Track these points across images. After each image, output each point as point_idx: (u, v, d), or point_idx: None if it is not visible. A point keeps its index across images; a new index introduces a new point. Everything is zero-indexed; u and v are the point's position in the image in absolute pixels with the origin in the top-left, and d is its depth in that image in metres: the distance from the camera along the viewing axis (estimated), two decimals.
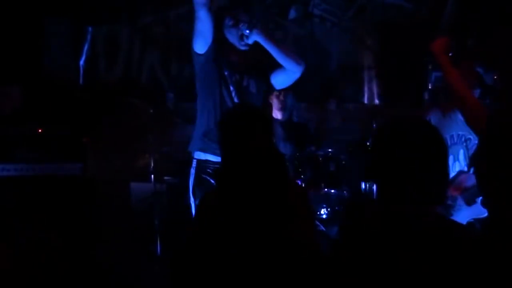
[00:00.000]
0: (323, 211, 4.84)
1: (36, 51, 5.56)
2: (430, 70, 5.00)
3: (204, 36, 3.66)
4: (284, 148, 4.77)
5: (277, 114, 5.07)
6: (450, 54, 4.75)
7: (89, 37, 5.95)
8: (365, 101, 6.44)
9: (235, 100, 3.67)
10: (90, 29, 5.95)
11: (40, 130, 4.30)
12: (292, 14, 6.36)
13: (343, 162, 4.93)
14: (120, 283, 4.28)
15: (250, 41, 3.67)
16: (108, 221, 4.52)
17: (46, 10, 5.62)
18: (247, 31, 3.66)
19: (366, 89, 6.44)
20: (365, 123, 5.68)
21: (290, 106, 5.11)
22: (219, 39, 3.72)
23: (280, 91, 4.98)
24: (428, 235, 1.81)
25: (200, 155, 3.65)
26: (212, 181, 3.60)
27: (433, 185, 1.88)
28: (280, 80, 3.85)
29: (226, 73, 3.70)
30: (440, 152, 1.90)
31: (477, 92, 3.87)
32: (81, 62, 5.91)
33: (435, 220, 1.87)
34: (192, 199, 3.65)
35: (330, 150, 4.99)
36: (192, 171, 3.65)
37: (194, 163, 3.66)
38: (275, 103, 5.06)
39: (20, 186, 4.17)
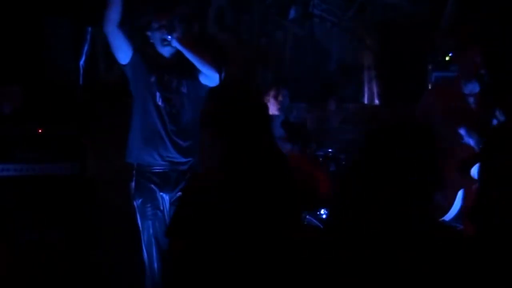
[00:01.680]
0: (323, 211, 4.84)
1: (36, 51, 5.56)
2: (430, 70, 5.01)
3: (122, 49, 3.90)
4: (282, 148, 4.77)
5: (276, 115, 5.08)
6: (450, 54, 4.76)
7: (89, 37, 5.95)
8: (365, 101, 6.45)
9: (159, 103, 3.80)
10: (90, 29, 5.95)
11: (40, 130, 4.30)
12: (292, 14, 6.36)
13: (343, 162, 4.93)
14: (120, 283, 4.27)
15: (172, 45, 3.79)
16: (108, 221, 4.52)
17: (46, 10, 5.62)
18: (168, 36, 3.77)
19: (366, 89, 6.44)
20: (365, 123, 5.68)
21: (287, 106, 5.12)
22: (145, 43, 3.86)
23: (277, 92, 5.01)
24: (425, 235, 1.82)
25: (140, 160, 3.84)
26: (152, 185, 3.73)
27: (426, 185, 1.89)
28: (204, 81, 3.92)
29: (152, 78, 3.82)
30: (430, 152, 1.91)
31: (474, 86, 3.88)
32: (81, 62, 5.90)
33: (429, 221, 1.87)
34: (134, 202, 3.84)
35: (330, 150, 4.99)
36: (134, 173, 3.86)
37: (135, 166, 3.87)
38: (272, 103, 5.07)
39: (20, 186, 4.17)
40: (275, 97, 5.05)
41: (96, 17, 5.94)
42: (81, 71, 5.89)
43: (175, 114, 3.81)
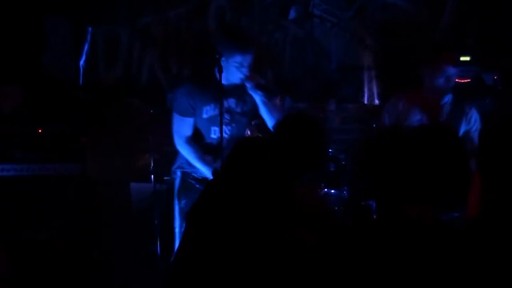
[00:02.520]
0: None
1: (36, 51, 5.56)
2: None
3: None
4: None
5: None
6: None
7: (89, 37, 5.95)
8: (365, 101, 6.44)
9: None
10: (90, 29, 5.95)
11: (40, 130, 4.30)
12: (292, 14, 6.36)
13: (343, 162, 4.92)
14: (120, 283, 4.28)
15: (249, 91, 3.77)
16: (108, 221, 4.52)
17: (46, 10, 5.62)
18: (249, 85, 3.74)
19: (366, 89, 6.43)
20: (365, 123, 5.68)
21: (287, 106, 5.13)
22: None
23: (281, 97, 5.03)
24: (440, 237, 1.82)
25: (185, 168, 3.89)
26: (198, 186, 3.71)
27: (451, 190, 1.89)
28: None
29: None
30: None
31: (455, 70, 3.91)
32: (81, 62, 5.91)
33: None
34: (176, 202, 3.87)
35: (330, 150, 4.99)
36: (178, 173, 3.90)
37: (179, 172, 3.91)
38: None
39: (20, 186, 4.17)
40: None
41: (96, 17, 5.96)
42: (81, 71, 5.90)
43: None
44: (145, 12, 6.10)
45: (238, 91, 3.81)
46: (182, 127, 3.85)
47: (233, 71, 3.71)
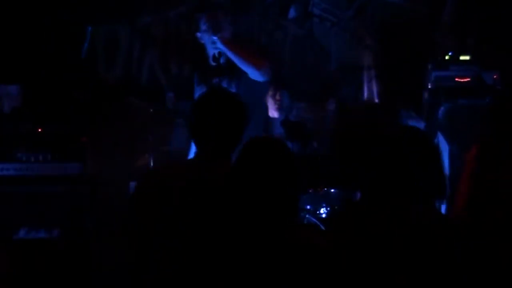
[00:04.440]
0: (322, 210, 4.84)
1: (36, 50, 5.56)
2: (430, 70, 5.01)
3: None
4: None
5: (273, 114, 5.09)
6: (450, 53, 4.77)
7: (89, 37, 5.95)
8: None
9: None
10: (90, 29, 5.94)
11: (40, 130, 4.30)
12: (291, 13, 6.35)
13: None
14: (120, 283, 4.27)
15: (217, 46, 3.80)
16: (108, 221, 4.52)
17: (46, 10, 5.62)
18: (214, 37, 3.79)
19: (366, 89, 6.43)
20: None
21: (286, 105, 5.12)
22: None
23: (275, 90, 5.02)
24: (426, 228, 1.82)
25: None
26: None
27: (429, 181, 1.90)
28: (254, 77, 3.93)
29: (203, 88, 3.92)
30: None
31: None
32: (81, 62, 5.90)
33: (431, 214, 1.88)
34: None
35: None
36: None
37: None
38: (270, 102, 5.08)
39: (20, 186, 4.17)
40: (273, 97, 5.05)
41: (96, 17, 5.96)
42: (81, 71, 5.90)
43: None
44: (145, 12, 6.10)
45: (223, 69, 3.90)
46: None
47: (208, 45, 3.84)
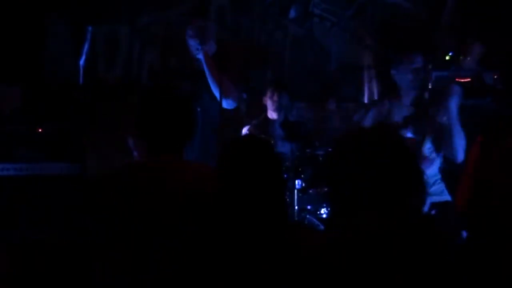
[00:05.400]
0: (323, 210, 4.84)
1: (36, 51, 5.56)
2: (430, 70, 5.00)
3: None
4: (283, 147, 4.78)
5: (272, 115, 5.11)
6: (450, 53, 4.77)
7: (89, 37, 5.95)
8: (365, 101, 6.44)
9: None
10: (90, 29, 5.95)
11: (39, 130, 4.30)
12: (292, 13, 6.36)
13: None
14: (120, 284, 4.26)
15: (198, 56, 3.85)
16: (107, 221, 4.51)
17: (46, 10, 5.62)
18: (199, 46, 3.83)
19: (366, 89, 6.44)
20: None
21: (286, 105, 5.12)
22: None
23: (273, 92, 5.03)
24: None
25: None
26: None
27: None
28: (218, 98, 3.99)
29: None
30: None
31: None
32: (81, 62, 5.91)
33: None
34: None
35: (330, 150, 4.98)
36: None
37: None
38: (269, 104, 5.10)
39: (20, 186, 4.17)
40: (271, 98, 5.06)
41: (96, 17, 5.96)
42: (81, 71, 5.90)
43: None
44: (145, 12, 6.10)
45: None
46: None
47: (193, 49, 3.90)
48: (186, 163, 2.53)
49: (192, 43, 3.94)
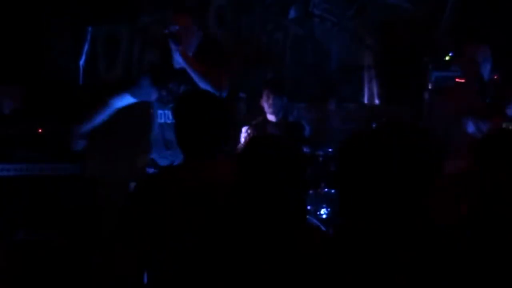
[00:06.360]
0: (323, 211, 4.84)
1: (36, 51, 5.56)
2: (430, 70, 5.00)
3: None
4: None
5: (271, 117, 5.12)
6: (450, 54, 4.77)
7: (89, 37, 5.95)
8: (365, 101, 6.45)
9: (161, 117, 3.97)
10: (90, 29, 5.95)
11: (40, 130, 4.30)
12: (292, 13, 6.36)
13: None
14: (119, 284, 4.26)
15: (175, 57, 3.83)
16: (108, 221, 4.52)
17: (47, 10, 5.62)
18: (174, 46, 3.79)
19: (366, 89, 6.44)
20: (365, 123, 5.68)
21: (285, 106, 5.13)
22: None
23: (268, 94, 5.03)
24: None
25: None
26: None
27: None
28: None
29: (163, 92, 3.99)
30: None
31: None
32: (81, 62, 5.91)
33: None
34: None
35: (330, 150, 4.99)
36: None
37: None
38: (265, 106, 5.11)
39: (20, 186, 4.17)
40: (266, 101, 5.07)
41: (96, 17, 5.96)
42: (81, 71, 5.90)
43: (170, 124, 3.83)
44: (145, 12, 6.10)
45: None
46: None
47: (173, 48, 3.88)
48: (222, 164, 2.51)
49: (171, 43, 3.89)
